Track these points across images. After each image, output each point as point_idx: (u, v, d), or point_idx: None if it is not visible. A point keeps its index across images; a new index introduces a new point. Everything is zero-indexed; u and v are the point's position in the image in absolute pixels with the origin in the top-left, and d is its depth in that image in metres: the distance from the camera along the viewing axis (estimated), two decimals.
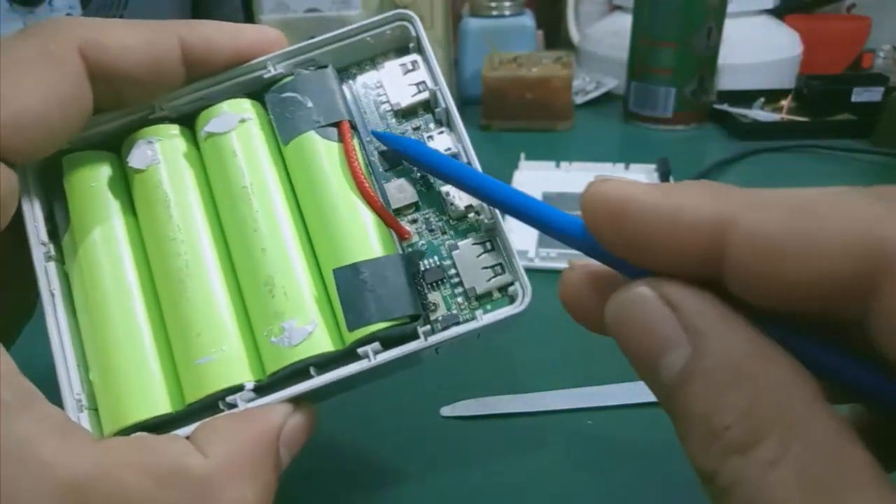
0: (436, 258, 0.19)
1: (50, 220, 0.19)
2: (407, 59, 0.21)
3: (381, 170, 0.20)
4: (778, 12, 0.68)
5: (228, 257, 0.19)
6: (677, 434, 0.12)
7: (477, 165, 0.19)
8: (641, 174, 0.46)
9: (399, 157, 0.20)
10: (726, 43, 0.56)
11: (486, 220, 0.19)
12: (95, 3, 0.48)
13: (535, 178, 0.46)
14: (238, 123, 0.19)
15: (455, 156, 0.20)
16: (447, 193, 0.20)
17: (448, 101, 0.20)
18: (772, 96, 0.59)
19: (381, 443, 0.25)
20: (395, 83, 0.21)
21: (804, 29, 0.67)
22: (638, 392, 0.26)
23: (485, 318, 0.18)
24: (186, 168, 0.19)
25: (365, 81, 0.21)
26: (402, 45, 0.21)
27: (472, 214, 0.19)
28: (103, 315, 0.18)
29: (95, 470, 0.14)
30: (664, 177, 0.44)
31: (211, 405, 0.18)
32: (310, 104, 0.20)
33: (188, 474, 0.15)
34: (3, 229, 0.17)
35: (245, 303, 0.19)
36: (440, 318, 0.19)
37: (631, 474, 0.23)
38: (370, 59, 0.21)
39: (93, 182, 0.19)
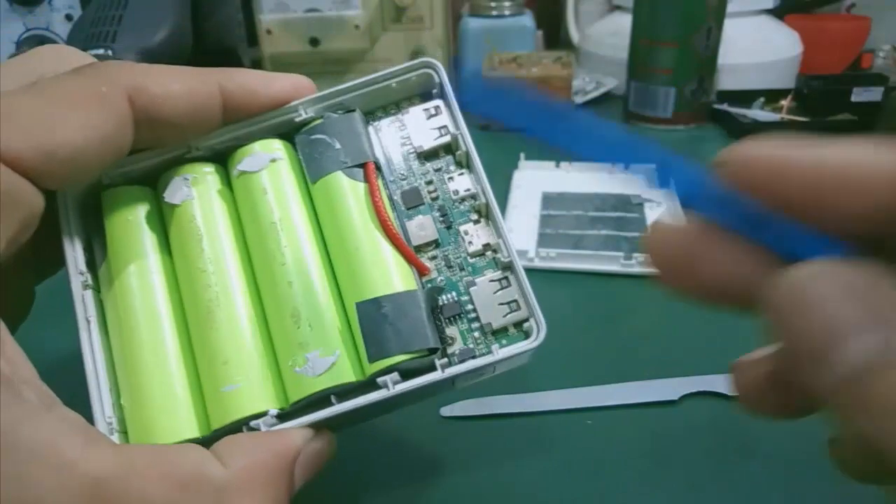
0: (454, 294, 0.20)
1: (87, 250, 0.20)
2: (430, 104, 0.22)
3: (402, 208, 0.21)
4: (778, 12, 0.68)
5: (256, 289, 0.20)
6: (847, 430, 0.11)
7: (494, 203, 0.20)
8: (641, 173, 0.46)
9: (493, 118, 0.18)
10: (726, 43, 0.56)
11: (502, 258, 0.20)
12: (95, 3, 0.48)
13: (534, 178, 0.46)
14: (269, 163, 0.21)
15: (474, 196, 0.21)
16: (465, 232, 0.21)
17: (468, 144, 0.21)
18: (772, 96, 0.59)
19: (381, 442, 0.25)
20: (418, 127, 0.22)
21: (804, 29, 0.67)
22: (638, 392, 0.26)
23: (500, 352, 0.19)
24: (219, 204, 0.21)
25: (390, 124, 0.22)
26: (426, 91, 0.22)
27: (489, 252, 0.20)
28: (135, 342, 0.19)
29: (118, 471, 0.15)
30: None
31: (234, 431, 0.18)
32: (338, 146, 0.21)
33: (207, 481, 0.16)
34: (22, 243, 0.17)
35: (270, 333, 0.19)
36: (457, 352, 0.19)
37: (630, 474, 0.23)
38: (395, 103, 0.22)
39: (130, 216, 0.20)
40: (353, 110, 0.22)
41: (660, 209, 0.41)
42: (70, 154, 0.17)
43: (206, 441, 0.18)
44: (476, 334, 0.20)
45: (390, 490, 0.23)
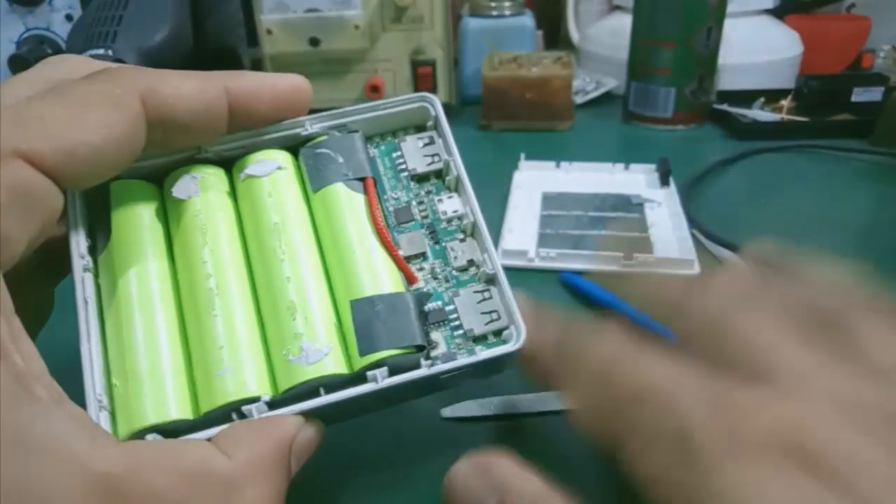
0: (439, 303, 0.21)
1: (90, 236, 0.21)
2: (425, 135, 0.24)
3: (394, 223, 0.23)
4: (778, 12, 0.68)
5: (253, 284, 0.21)
6: None
7: (482, 223, 0.22)
8: (641, 174, 0.46)
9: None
10: (726, 43, 0.56)
11: (487, 271, 0.21)
12: (95, 3, 0.48)
13: (534, 179, 0.46)
14: (274, 170, 0.22)
15: (461, 217, 0.22)
16: (452, 249, 0.22)
17: (460, 169, 0.23)
18: (772, 96, 0.59)
19: (382, 444, 0.25)
20: (412, 153, 0.23)
21: (804, 29, 0.67)
22: None
23: (482, 353, 0.20)
24: (223, 202, 0.22)
25: (387, 150, 0.24)
26: (422, 124, 0.24)
27: (472, 268, 0.22)
28: (127, 323, 0.19)
29: (126, 467, 0.15)
30: (664, 177, 0.44)
31: (224, 415, 0.19)
32: (340, 160, 0.22)
33: (214, 474, 0.17)
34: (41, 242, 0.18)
35: (265, 325, 0.20)
36: (440, 356, 0.20)
37: None
38: (392, 132, 0.24)
39: (135, 207, 0.21)
40: (356, 131, 0.23)
41: (660, 209, 0.41)
42: (89, 153, 0.17)
43: (195, 424, 0.19)
44: (458, 340, 0.21)
45: (390, 491, 0.23)
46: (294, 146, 0.23)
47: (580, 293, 0.34)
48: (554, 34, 0.80)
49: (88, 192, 0.21)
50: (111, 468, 0.15)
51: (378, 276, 0.20)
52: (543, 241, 0.38)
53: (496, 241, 0.37)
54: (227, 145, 0.22)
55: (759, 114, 0.57)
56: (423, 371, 0.19)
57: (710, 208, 0.41)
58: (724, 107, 0.58)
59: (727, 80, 0.62)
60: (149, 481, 0.15)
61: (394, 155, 0.23)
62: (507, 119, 0.57)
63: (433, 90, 0.59)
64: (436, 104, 0.23)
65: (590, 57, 0.71)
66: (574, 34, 0.75)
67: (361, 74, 0.58)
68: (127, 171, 0.21)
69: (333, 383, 0.19)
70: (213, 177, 0.22)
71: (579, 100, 0.63)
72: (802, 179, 0.47)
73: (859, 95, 0.55)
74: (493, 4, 0.63)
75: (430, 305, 0.21)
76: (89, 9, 0.49)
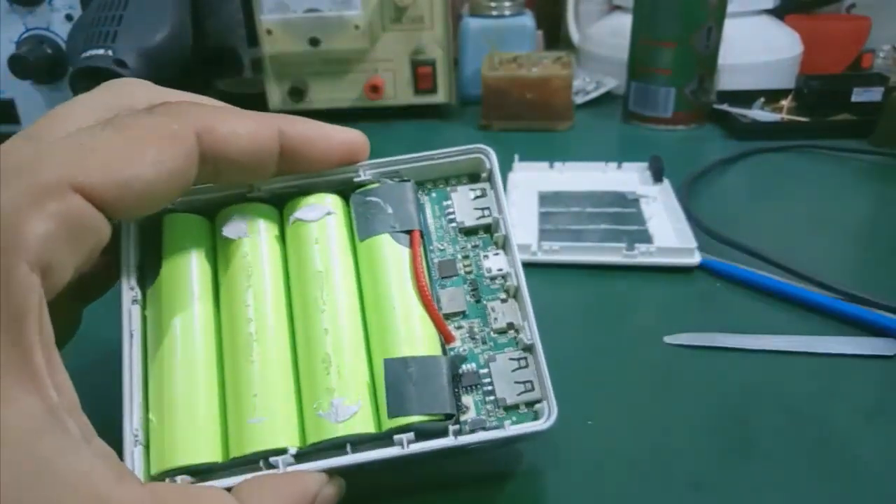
0: (474, 365, 0.21)
1: (139, 268, 0.21)
2: (478, 186, 0.23)
3: (437, 277, 0.23)
4: (778, 12, 0.68)
5: (292, 330, 0.21)
6: None
7: (524, 288, 0.22)
8: (634, 172, 0.46)
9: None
10: (726, 43, 0.56)
11: (525, 340, 0.21)
12: (95, 3, 0.48)
13: (530, 179, 0.46)
14: (324, 216, 0.22)
15: (505, 276, 0.22)
16: (493, 309, 0.22)
17: (508, 229, 0.22)
18: (772, 96, 0.59)
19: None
20: (463, 204, 0.23)
21: (804, 29, 0.67)
22: (844, 344, 0.28)
23: (511, 429, 0.20)
24: (270, 246, 0.22)
25: (438, 197, 0.24)
26: (475, 173, 0.24)
27: (511, 331, 0.22)
28: (169, 363, 0.20)
29: None
30: (657, 173, 0.44)
31: (252, 462, 0.19)
32: (389, 210, 0.22)
33: None
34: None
35: (300, 375, 0.21)
36: (469, 421, 0.20)
37: (632, 475, 0.23)
38: (445, 179, 0.24)
39: (187, 243, 0.22)
40: (408, 181, 0.23)
41: (655, 204, 0.41)
42: (143, 187, 0.18)
43: (222, 467, 0.19)
44: (489, 406, 0.21)
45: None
46: (346, 189, 0.23)
47: (724, 276, 0.34)
48: (554, 34, 0.80)
49: (142, 222, 0.22)
50: None
51: (414, 335, 0.21)
52: (544, 236, 0.38)
53: None
54: (280, 184, 0.22)
55: (759, 114, 0.57)
56: (449, 441, 0.19)
57: (710, 208, 0.41)
58: (724, 107, 0.58)
59: (727, 80, 0.62)
60: None
61: (444, 203, 0.23)
62: (507, 119, 0.57)
63: (433, 90, 0.59)
64: (491, 157, 0.23)
65: (590, 57, 0.71)
66: (574, 34, 0.75)
67: (361, 74, 0.58)
68: (181, 204, 0.22)
69: (361, 440, 0.20)
70: (264, 219, 0.22)
71: (579, 100, 0.63)
72: (802, 179, 0.47)
73: (859, 95, 0.55)
74: (493, 4, 0.63)
75: (464, 368, 0.21)
76: (89, 9, 0.49)
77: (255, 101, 0.57)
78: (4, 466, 0.14)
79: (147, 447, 0.19)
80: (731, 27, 0.56)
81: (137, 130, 0.18)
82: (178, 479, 0.19)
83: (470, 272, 0.23)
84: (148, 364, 0.20)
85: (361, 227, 0.22)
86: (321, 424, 0.19)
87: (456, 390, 0.21)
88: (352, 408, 0.20)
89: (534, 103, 0.56)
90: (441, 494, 0.23)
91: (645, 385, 0.27)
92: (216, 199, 0.22)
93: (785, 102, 0.58)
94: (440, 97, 0.59)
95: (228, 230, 0.22)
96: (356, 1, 0.55)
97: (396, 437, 0.19)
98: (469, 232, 0.23)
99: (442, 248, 0.23)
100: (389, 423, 0.19)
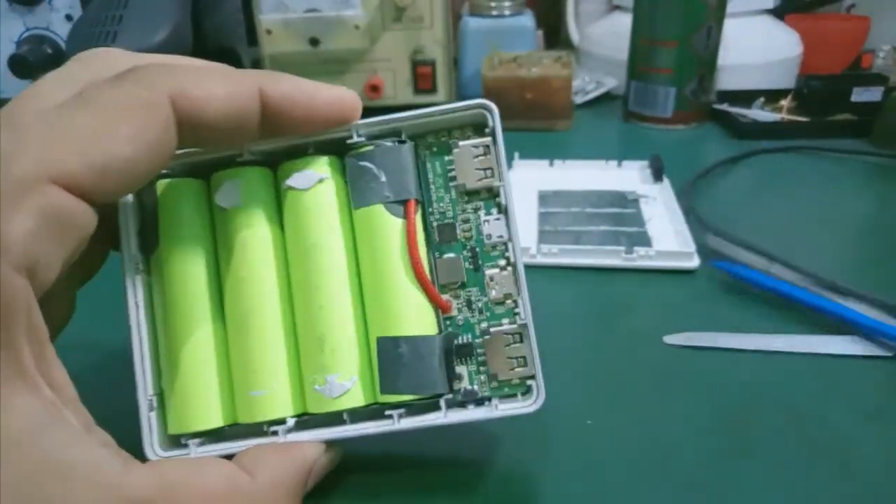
0: (469, 336, 0.22)
1: (139, 234, 0.21)
2: (480, 142, 0.22)
3: (436, 241, 0.22)
4: (778, 12, 0.68)
5: (290, 305, 0.22)
6: None
7: (520, 259, 0.21)
8: (634, 170, 0.46)
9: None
10: (726, 43, 0.56)
11: (519, 319, 0.21)
12: (95, 3, 0.48)
13: (529, 177, 0.46)
14: (316, 182, 0.21)
15: (505, 244, 0.22)
16: (491, 278, 0.22)
17: (508, 196, 0.22)
18: (772, 96, 0.59)
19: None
20: (465, 164, 0.22)
21: (804, 29, 0.67)
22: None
23: (500, 409, 0.21)
24: (265, 215, 0.22)
25: (440, 152, 0.23)
26: (479, 124, 0.22)
27: (508, 301, 0.22)
28: (177, 334, 0.21)
29: (159, 491, 0.16)
30: (657, 172, 0.44)
31: (257, 429, 0.21)
32: (383, 178, 0.21)
33: (240, 493, 0.18)
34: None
35: (299, 347, 0.22)
36: (462, 390, 0.21)
37: (631, 475, 0.23)
38: (448, 130, 0.23)
39: (183, 209, 0.21)
40: (405, 141, 0.22)
41: (655, 204, 0.41)
42: (122, 166, 0.17)
43: (229, 432, 0.21)
44: (482, 377, 0.21)
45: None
46: (340, 149, 0.22)
47: (740, 280, 0.34)
48: (554, 34, 0.80)
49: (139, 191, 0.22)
50: (145, 493, 0.16)
51: (409, 312, 0.21)
52: (544, 237, 0.38)
53: None
54: (272, 146, 0.21)
55: (759, 114, 0.57)
56: (438, 417, 0.21)
57: (711, 209, 0.41)
58: (724, 107, 0.58)
59: (727, 80, 0.62)
60: (180, 502, 0.17)
61: (446, 159, 0.22)
62: (506, 119, 0.57)
63: (433, 90, 0.59)
64: (494, 114, 0.22)
65: (590, 57, 0.71)
66: (574, 34, 0.75)
67: (361, 74, 0.58)
68: (173, 167, 0.22)
69: (356, 411, 0.21)
70: (256, 182, 0.22)
71: (579, 100, 0.63)
72: (802, 179, 0.47)
73: (859, 95, 0.55)
74: (493, 4, 0.63)
75: (459, 339, 0.22)
76: (89, 9, 0.49)
77: None
78: (8, 467, 0.14)
79: (162, 413, 0.21)
80: (731, 27, 0.56)
81: (106, 104, 0.17)
82: (191, 442, 0.21)
83: (470, 237, 0.22)
84: (157, 332, 0.21)
85: (355, 196, 0.22)
86: (317, 399, 0.21)
87: (449, 364, 0.21)
88: (345, 384, 0.21)
89: (534, 103, 0.56)
90: (441, 496, 0.23)
91: (644, 385, 0.27)
92: (207, 160, 0.22)
93: (785, 102, 0.58)
94: (440, 97, 0.59)
95: (221, 198, 0.21)
96: (356, 1, 0.55)
97: (388, 411, 0.21)
98: (470, 193, 0.22)
99: (442, 210, 0.22)
100: (382, 398, 0.21)
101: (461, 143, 0.22)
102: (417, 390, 0.21)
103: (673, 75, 0.55)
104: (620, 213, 0.40)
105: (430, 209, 0.22)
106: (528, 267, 0.35)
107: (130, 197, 0.21)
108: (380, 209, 0.21)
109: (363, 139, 0.22)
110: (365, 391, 0.21)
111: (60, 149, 0.16)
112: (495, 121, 0.22)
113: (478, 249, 0.22)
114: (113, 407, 0.19)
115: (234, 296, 0.21)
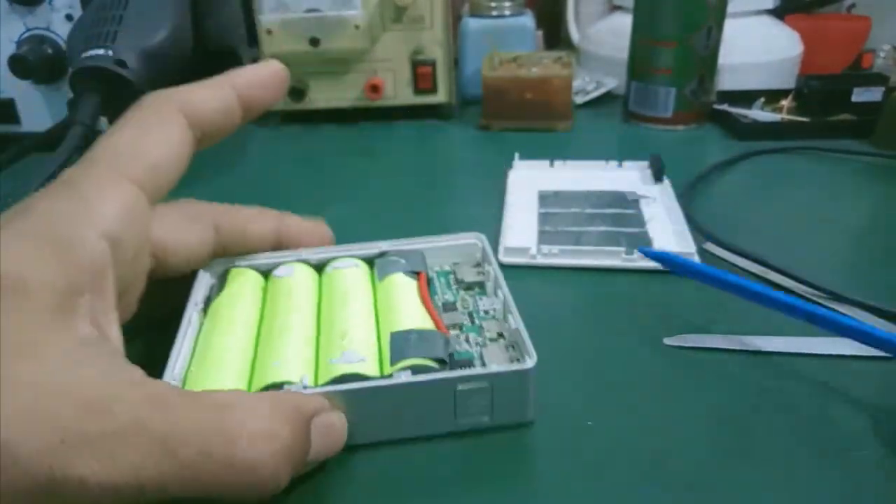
0: (467, 359, 0.26)
1: (206, 299, 0.28)
2: (476, 269, 0.31)
3: (440, 310, 0.28)
4: (778, 12, 0.68)
5: (318, 327, 0.27)
6: None
7: (522, 327, 0.25)
8: (634, 171, 0.46)
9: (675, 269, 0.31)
10: (726, 43, 0.56)
11: (510, 326, 0.26)
12: (95, 3, 0.48)
13: (529, 177, 0.46)
14: (352, 266, 0.30)
15: (496, 310, 0.28)
16: (485, 326, 0.27)
17: (504, 289, 0.28)
18: (772, 96, 0.59)
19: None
20: (465, 273, 0.31)
21: (804, 29, 0.67)
22: (841, 344, 0.28)
23: (495, 365, 0.25)
24: (309, 284, 0.29)
25: (443, 273, 0.31)
26: (473, 257, 0.31)
27: (502, 340, 0.27)
28: (214, 339, 0.25)
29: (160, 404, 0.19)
30: (657, 173, 0.44)
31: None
32: (403, 262, 0.29)
33: (241, 400, 0.19)
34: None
35: (319, 350, 0.25)
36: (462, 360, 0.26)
37: (632, 475, 0.23)
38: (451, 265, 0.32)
39: (244, 283, 0.28)
40: (419, 251, 0.30)
41: (655, 205, 0.41)
42: (165, 166, 0.24)
43: None
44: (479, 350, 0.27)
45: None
46: (370, 260, 0.30)
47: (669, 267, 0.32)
48: (554, 34, 0.80)
49: (220, 275, 0.29)
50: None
51: (416, 320, 0.26)
52: (544, 238, 0.38)
53: (496, 240, 0.38)
54: (321, 255, 0.30)
55: (759, 114, 0.57)
56: (442, 374, 0.23)
57: (711, 209, 0.41)
58: (725, 107, 0.58)
59: (727, 80, 0.62)
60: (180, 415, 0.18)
61: (449, 277, 0.31)
62: (506, 119, 0.57)
63: (433, 90, 0.59)
64: (483, 241, 0.31)
65: (590, 57, 0.71)
66: (574, 34, 0.75)
67: (361, 74, 0.58)
68: (244, 265, 0.29)
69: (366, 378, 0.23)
70: (306, 269, 0.30)
71: (579, 100, 0.63)
72: (803, 180, 0.47)
73: (859, 95, 0.55)
74: (493, 4, 0.63)
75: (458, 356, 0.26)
76: (89, 9, 0.49)
77: None
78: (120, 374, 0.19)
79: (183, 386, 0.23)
80: (731, 27, 0.56)
81: (140, 123, 0.24)
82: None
83: (467, 309, 0.29)
84: (196, 347, 0.25)
85: (380, 273, 0.29)
86: (331, 367, 0.23)
87: (451, 357, 0.25)
88: (360, 356, 0.24)
89: (534, 103, 0.56)
90: (441, 496, 0.23)
91: (645, 386, 0.27)
92: (271, 264, 0.29)
93: (785, 102, 0.58)
94: (440, 97, 0.59)
95: (280, 272, 0.29)
96: (356, 1, 0.55)
97: (395, 372, 0.23)
98: (468, 287, 0.30)
99: (446, 298, 0.29)
100: (390, 370, 0.23)
101: (464, 265, 0.31)
102: (424, 354, 0.24)
103: (673, 75, 0.55)
104: (621, 214, 0.40)
105: (436, 297, 0.29)
106: (528, 268, 0.35)
107: (205, 276, 0.28)
108: (400, 275, 0.28)
109: (388, 250, 0.30)
110: (377, 369, 0.24)
111: (124, 155, 0.23)
112: (485, 246, 0.31)
113: (474, 315, 0.28)
114: None
115: (273, 319, 0.26)
